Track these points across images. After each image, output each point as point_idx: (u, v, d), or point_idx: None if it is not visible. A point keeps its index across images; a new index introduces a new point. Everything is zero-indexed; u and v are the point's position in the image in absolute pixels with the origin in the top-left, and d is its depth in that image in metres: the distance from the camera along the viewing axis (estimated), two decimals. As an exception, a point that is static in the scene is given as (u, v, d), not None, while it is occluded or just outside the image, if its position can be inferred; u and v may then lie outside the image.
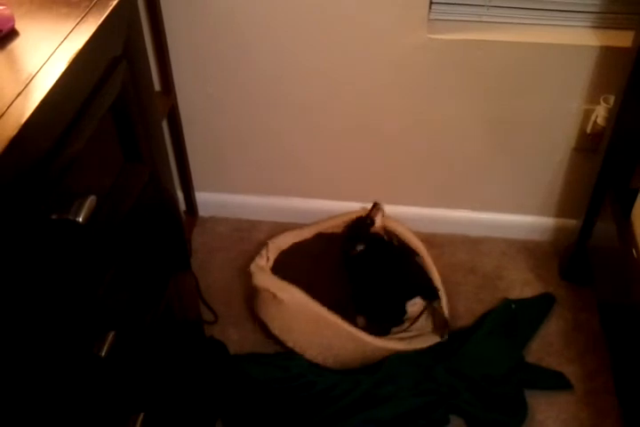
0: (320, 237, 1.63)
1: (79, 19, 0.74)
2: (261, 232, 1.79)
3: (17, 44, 0.71)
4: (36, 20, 0.75)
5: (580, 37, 1.43)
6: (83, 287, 0.77)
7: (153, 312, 0.99)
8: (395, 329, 1.50)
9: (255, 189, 1.78)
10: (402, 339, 1.47)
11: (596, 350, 1.52)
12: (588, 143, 1.55)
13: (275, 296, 1.43)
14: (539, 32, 1.45)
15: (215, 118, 1.64)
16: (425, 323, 1.51)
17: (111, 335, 0.81)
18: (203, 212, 1.84)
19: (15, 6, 0.76)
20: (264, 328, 1.50)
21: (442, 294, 1.51)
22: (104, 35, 0.75)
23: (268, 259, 1.54)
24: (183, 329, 1.19)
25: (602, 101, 1.46)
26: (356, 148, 1.66)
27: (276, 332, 1.47)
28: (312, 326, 1.43)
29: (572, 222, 1.65)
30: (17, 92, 0.63)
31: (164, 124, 1.60)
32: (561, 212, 1.73)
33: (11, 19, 0.72)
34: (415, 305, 1.52)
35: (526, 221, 1.76)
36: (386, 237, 1.60)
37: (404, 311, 1.51)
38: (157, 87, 1.54)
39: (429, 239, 1.75)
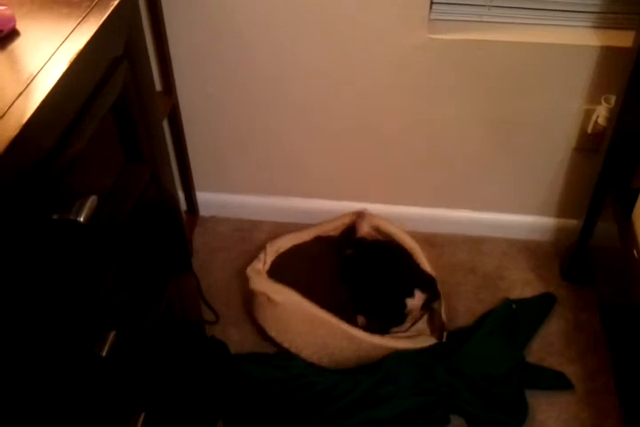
0: (319, 240, 1.64)
1: (80, 19, 0.74)
2: (262, 232, 1.79)
3: (18, 45, 0.71)
4: (37, 20, 0.75)
5: (580, 37, 1.43)
6: (84, 287, 0.77)
7: (154, 312, 0.99)
8: (394, 329, 1.50)
9: (256, 188, 1.78)
10: (399, 337, 1.47)
11: (596, 350, 1.52)
12: (588, 143, 1.55)
13: (270, 299, 1.43)
14: (539, 32, 1.45)
15: (216, 118, 1.64)
16: (423, 326, 1.51)
17: (112, 335, 0.81)
18: (204, 212, 1.84)
19: (16, 6, 0.76)
20: (261, 331, 1.51)
21: (441, 298, 1.51)
22: (105, 35, 0.75)
23: (265, 262, 1.54)
24: (184, 329, 1.19)
25: (603, 101, 1.46)
26: (356, 148, 1.66)
27: (273, 334, 1.48)
28: (307, 325, 1.44)
29: (572, 222, 1.65)
30: (18, 92, 0.63)
31: (165, 125, 1.60)
32: (562, 212, 1.73)
33: (12, 19, 0.72)
34: (415, 298, 1.51)
35: (527, 221, 1.76)
36: (371, 239, 1.60)
37: (404, 305, 1.50)
38: (158, 87, 1.54)
39: (430, 239, 1.75)
